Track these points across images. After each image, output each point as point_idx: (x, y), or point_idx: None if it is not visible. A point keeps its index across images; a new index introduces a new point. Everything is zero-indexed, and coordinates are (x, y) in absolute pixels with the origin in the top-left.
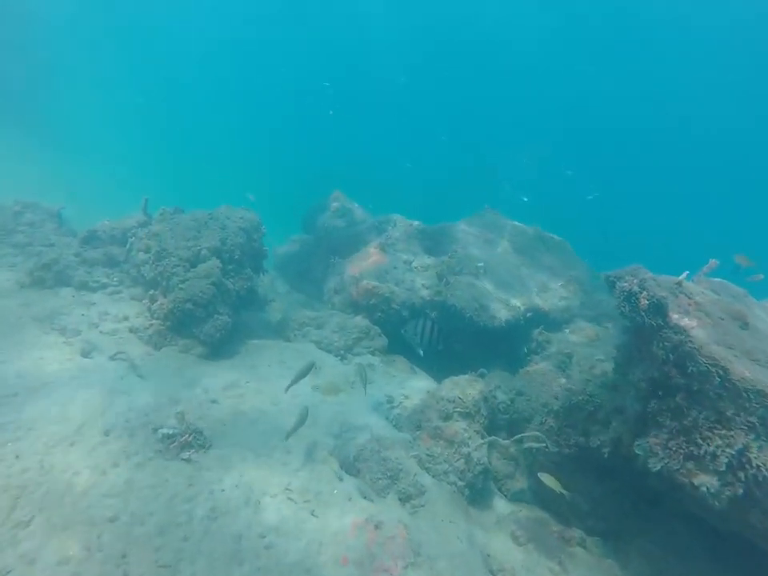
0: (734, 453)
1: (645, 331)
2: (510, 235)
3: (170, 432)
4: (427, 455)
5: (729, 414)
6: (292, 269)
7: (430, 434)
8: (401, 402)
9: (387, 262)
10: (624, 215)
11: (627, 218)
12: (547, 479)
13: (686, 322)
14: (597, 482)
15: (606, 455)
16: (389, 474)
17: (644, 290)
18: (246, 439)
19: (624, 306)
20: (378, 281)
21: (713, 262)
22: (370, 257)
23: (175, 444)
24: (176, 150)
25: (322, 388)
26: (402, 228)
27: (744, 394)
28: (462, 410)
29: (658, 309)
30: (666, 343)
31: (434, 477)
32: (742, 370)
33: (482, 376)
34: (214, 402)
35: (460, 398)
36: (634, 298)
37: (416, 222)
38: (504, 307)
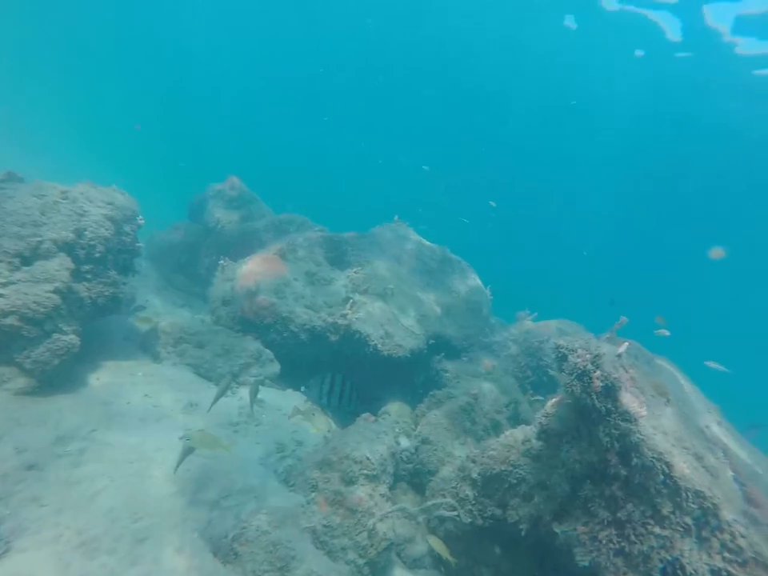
0: (669, 558)
1: (591, 413)
2: (418, 253)
3: None
4: (324, 526)
5: (665, 512)
6: (171, 260)
7: (329, 498)
8: (293, 450)
9: (288, 273)
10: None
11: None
12: (435, 544)
13: (635, 408)
14: (505, 556)
15: (522, 532)
16: (278, 565)
17: (597, 368)
18: (79, 527)
19: (575, 386)
20: (276, 296)
21: (623, 320)
22: (268, 264)
23: None
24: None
25: (197, 434)
26: (306, 233)
27: (683, 493)
28: (368, 473)
29: (610, 392)
30: (613, 430)
31: (329, 554)
32: (683, 466)
33: (384, 418)
34: (32, 467)
35: (368, 459)
36: (587, 377)
37: (321, 228)
38: (409, 334)
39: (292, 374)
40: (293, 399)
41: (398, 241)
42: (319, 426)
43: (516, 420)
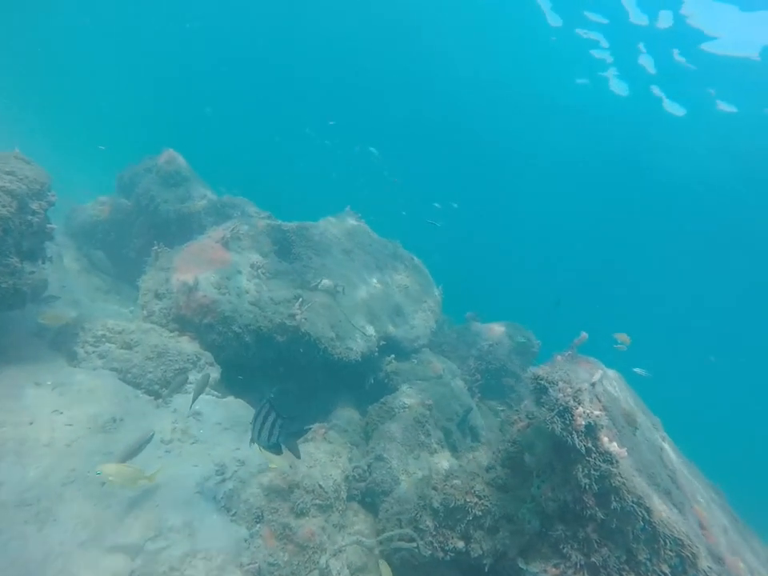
0: None
1: (569, 451)
2: (369, 247)
3: None
4: (270, 564)
5: (641, 558)
6: (95, 239)
7: (276, 532)
8: (235, 471)
9: (231, 265)
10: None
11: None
12: (384, 571)
13: (616, 449)
14: None
15: (486, 567)
16: None
17: (580, 404)
18: None
19: (555, 423)
20: (218, 292)
21: (583, 336)
22: (210, 254)
23: None
24: None
25: (113, 468)
26: (252, 220)
27: (661, 540)
28: (321, 503)
29: (591, 430)
30: (593, 471)
31: None
32: (660, 510)
33: (335, 429)
34: None
35: (320, 487)
36: (568, 414)
37: (268, 215)
38: (360, 336)
39: (235, 380)
40: (234, 409)
41: (349, 234)
42: (279, 462)
43: (466, 425)
